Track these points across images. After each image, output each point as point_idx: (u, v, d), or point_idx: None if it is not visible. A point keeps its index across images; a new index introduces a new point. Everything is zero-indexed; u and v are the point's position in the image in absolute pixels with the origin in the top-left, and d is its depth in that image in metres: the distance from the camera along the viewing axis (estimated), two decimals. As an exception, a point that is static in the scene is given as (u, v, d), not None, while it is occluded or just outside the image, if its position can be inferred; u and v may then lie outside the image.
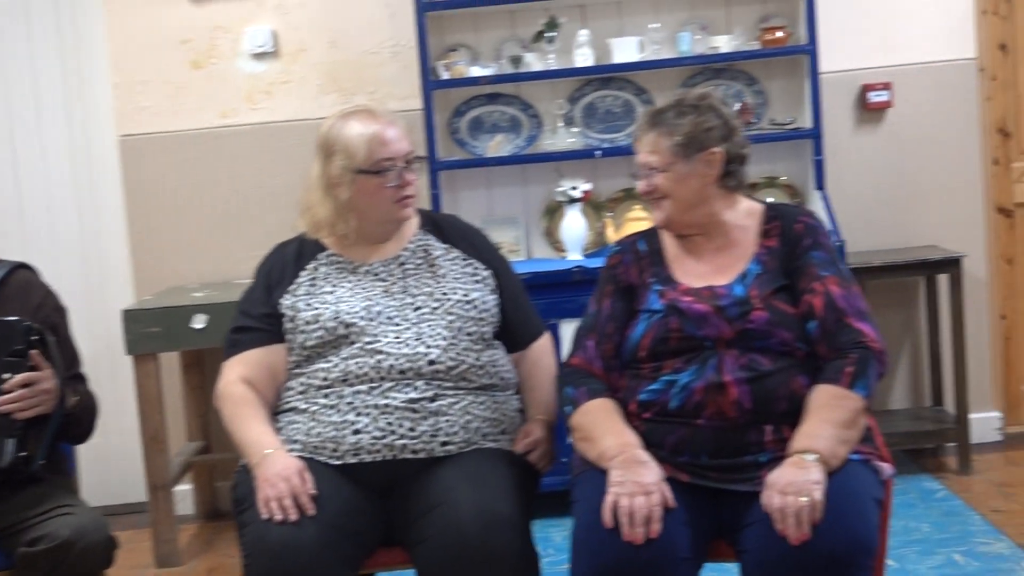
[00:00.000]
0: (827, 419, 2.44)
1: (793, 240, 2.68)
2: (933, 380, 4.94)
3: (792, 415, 2.50)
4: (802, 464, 2.38)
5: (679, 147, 2.67)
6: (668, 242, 2.78)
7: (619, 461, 2.48)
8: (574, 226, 4.69)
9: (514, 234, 4.90)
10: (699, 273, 2.70)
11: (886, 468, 2.56)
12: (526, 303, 3.01)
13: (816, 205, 4.67)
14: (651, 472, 2.46)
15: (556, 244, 4.86)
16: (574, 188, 4.68)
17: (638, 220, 4.66)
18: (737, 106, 4.70)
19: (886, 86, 4.83)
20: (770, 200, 4.69)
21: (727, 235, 2.73)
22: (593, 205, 4.84)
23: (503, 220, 4.91)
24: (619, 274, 2.77)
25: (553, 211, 4.88)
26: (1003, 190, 5.02)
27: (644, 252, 2.78)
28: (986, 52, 4.92)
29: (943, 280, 4.76)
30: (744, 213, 2.75)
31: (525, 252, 4.91)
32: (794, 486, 2.33)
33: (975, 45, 4.90)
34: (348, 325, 2.75)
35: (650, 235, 2.82)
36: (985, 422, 4.98)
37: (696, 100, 2.71)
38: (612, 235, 4.79)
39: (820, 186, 4.66)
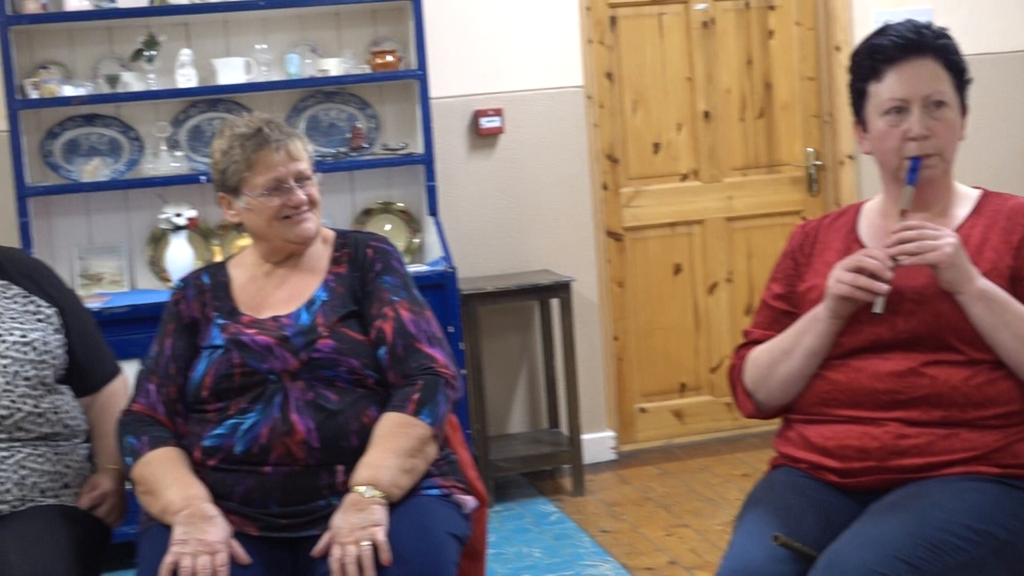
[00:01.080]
0: (390, 448, 2.33)
1: (364, 266, 2.58)
2: (549, 403, 5.00)
3: (364, 451, 2.38)
4: (361, 503, 2.26)
5: (311, 158, 2.58)
6: (236, 274, 2.62)
7: (183, 516, 2.28)
8: (180, 255, 4.45)
9: (116, 264, 4.61)
10: (268, 304, 2.55)
11: (469, 501, 2.49)
12: (98, 342, 2.76)
13: (430, 231, 4.63)
14: (218, 529, 2.28)
15: (162, 274, 4.59)
16: (179, 215, 4.44)
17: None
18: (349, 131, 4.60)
19: (498, 112, 4.86)
20: (387, 224, 4.63)
21: (304, 263, 2.60)
22: (200, 232, 4.61)
23: (104, 249, 4.61)
24: (181, 311, 2.58)
25: (158, 239, 4.62)
26: (613, 214, 5.16)
27: (208, 285, 2.60)
28: (593, 80, 5.04)
29: (555, 304, 4.82)
30: (319, 240, 2.62)
31: (129, 283, 4.62)
32: (354, 534, 2.21)
33: (582, 73, 5.00)
34: None
35: (216, 268, 2.66)
36: (600, 442, 5.08)
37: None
38: (221, 264, 4.57)
39: (433, 212, 4.62)
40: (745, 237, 5.31)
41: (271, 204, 2.52)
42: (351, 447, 2.37)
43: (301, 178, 2.55)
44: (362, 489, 2.27)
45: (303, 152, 2.57)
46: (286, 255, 2.59)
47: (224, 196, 2.57)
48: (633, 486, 4.76)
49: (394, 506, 2.28)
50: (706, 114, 5.22)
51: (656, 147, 5.19)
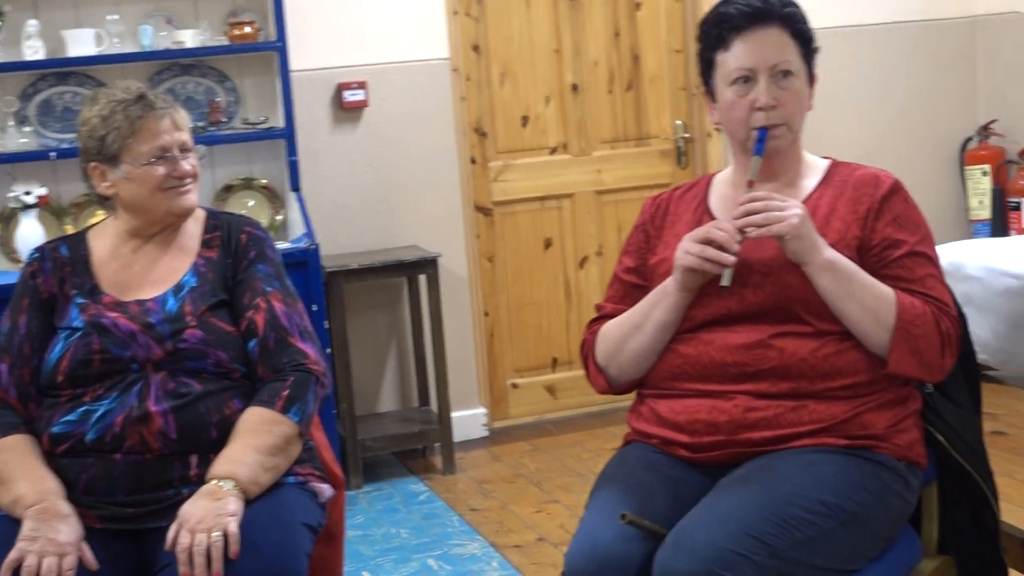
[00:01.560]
0: (253, 444, 2.25)
1: (238, 252, 2.47)
2: (419, 381, 4.93)
3: (222, 443, 2.28)
4: (218, 493, 2.17)
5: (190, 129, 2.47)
6: (97, 246, 2.48)
7: (35, 512, 2.17)
8: (30, 234, 4.27)
9: (-37, 245, 4.41)
10: (132, 284, 2.42)
11: (326, 490, 2.42)
12: None
13: (293, 207, 4.52)
14: (70, 529, 2.17)
15: (12, 255, 4.41)
16: (28, 193, 4.27)
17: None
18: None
19: (361, 85, 4.76)
20: (250, 204, 4.52)
21: (176, 240, 2.48)
22: (52, 211, 4.44)
23: (-50, 230, 4.41)
24: (38, 285, 2.44)
25: (7, 218, 4.43)
26: (481, 189, 5.10)
27: (67, 258, 2.46)
28: (459, 53, 4.97)
29: (424, 280, 4.75)
30: (192, 218, 2.51)
31: (-24, 264, 4.43)
32: (205, 522, 2.12)
33: (448, 45, 4.92)
34: None
35: (75, 240, 2.51)
36: (472, 419, 5.03)
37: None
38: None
39: (296, 187, 4.52)
40: (615, 210, 5.29)
41: (156, 173, 2.40)
42: (210, 439, 2.28)
43: (184, 149, 2.44)
44: (220, 482, 2.19)
45: (185, 123, 2.47)
46: (161, 228, 2.47)
47: (98, 166, 2.43)
48: (504, 463, 4.72)
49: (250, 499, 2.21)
50: (574, 87, 5.19)
51: (524, 120, 5.14)
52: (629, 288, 2.39)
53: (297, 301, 2.47)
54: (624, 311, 2.35)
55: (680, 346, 2.24)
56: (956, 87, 5.54)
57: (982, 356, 2.56)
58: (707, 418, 2.16)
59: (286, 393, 2.31)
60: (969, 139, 5.52)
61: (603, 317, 2.40)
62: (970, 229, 5.41)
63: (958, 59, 5.54)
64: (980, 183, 5.38)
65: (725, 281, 2.15)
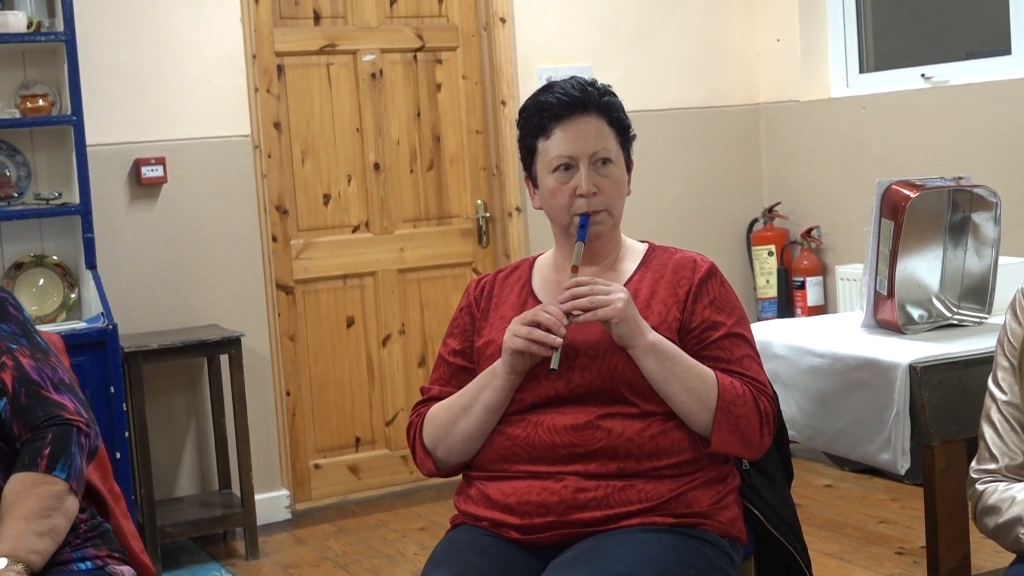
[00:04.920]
0: (21, 515, 2.13)
1: None
2: (220, 463, 4.80)
3: None
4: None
5: None
6: None
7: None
8: None
9: None
10: None
11: (126, 571, 2.32)
12: None
13: (88, 285, 4.37)
14: None
15: None
16: None
17: None
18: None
19: (160, 161, 4.66)
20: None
21: None
22: None
23: None
24: None
25: None
26: (283, 267, 5.04)
27: None
28: (260, 130, 4.93)
29: (225, 360, 4.65)
30: None
31: None
32: None
33: (249, 122, 4.87)
34: None
35: None
36: (275, 501, 4.93)
37: None
38: None
39: (92, 265, 4.37)
40: (417, 289, 5.31)
41: None
42: None
43: None
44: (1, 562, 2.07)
45: None
46: None
47: None
48: (309, 546, 4.63)
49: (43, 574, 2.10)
50: (376, 166, 5.20)
51: (326, 198, 5.12)
52: (456, 370, 2.40)
53: (50, 355, 2.36)
54: (451, 393, 2.35)
55: (509, 428, 2.26)
56: (742, 170, 5.80)
57: (789, 432, 2.66)
58: (537, 499, 2.18)
59: (47, 451, 2.20)
60: (755, 220, 5.78)
61: (429, 399, 2.40)
62: (758, 307, 5.64)
63: (744, 144, 5.80)
64: (767, 263, 5.63)
65: (553, 364, 2.19)
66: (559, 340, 2.18)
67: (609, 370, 2.22)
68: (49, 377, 2.30)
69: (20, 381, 2.26)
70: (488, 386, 2.27)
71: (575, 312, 2.20)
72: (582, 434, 2.19)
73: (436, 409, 2.35)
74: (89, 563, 2.22)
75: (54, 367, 2.33)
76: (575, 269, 2.29)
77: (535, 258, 2.51)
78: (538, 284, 2.43)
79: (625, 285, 2.31)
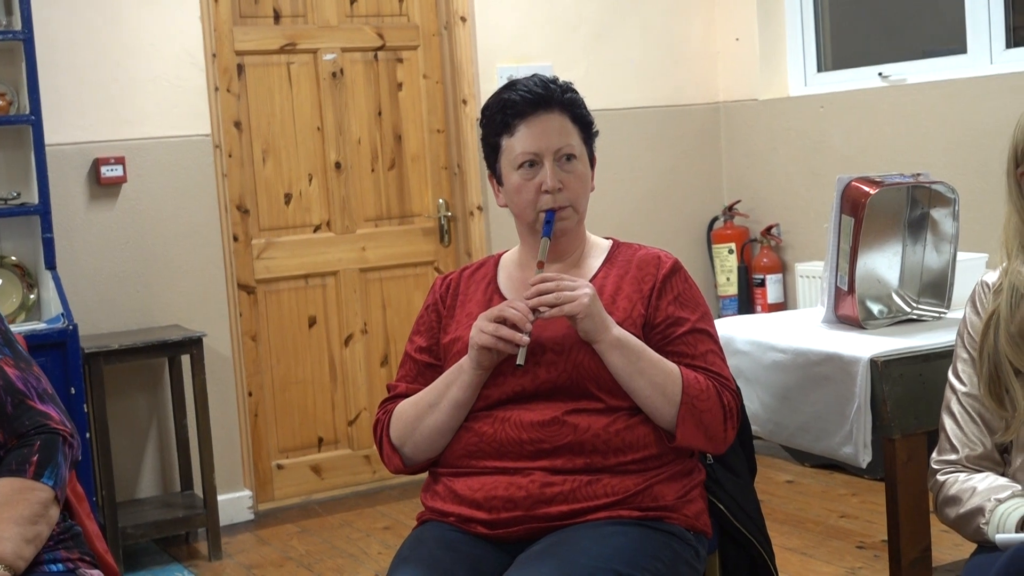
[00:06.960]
0: (10, 518, 2.14)
1: None
2: (182, 464, 4.78)
3: None
4: None
5: None
6: None
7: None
8: None
9: None
10: None
11: (95, 574, 2.31)
12: None
13: (48, 285, 4.34)
14: None
15: None
16: None
17: None
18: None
19: (119, 160, 4.63)
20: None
21: None
22: None
23: None
24: None
25: None
26: (244, 267, 5.02)
27: None
28: (220, 129, 4.90)
29: (186, 360, 4.63)
30: None
31: None
32: None
33: (210, 121, 4.85)
34: None
35: None
36: (237, 502, 4.91)
37: None
38: None
39: (51, 265, 4.33)
40: (379, 288, 5.30)
41: None
42: None
43: None
44: None
45: None
46: None
47: None
48: (272, 546, 4.61)
49: None
50: (337, 165, 5.19)
51: (288, 198, 5.11)
52: (422, 367, 2.41)
53: (32, 365, 2.38)
54: (418, 390, 2.36)
55: (476, 424, 2.27)
56: (702, 169, 5.84)
57: (752, 427, 2.69)
58: (505, 494, 2.19)
59: (36, 458, 2.22)
60: (716, 219, 5.81)
61: (396, 397, 2.41)
62: (719, 305, 5.68)
63: (703, 142, 5.84)
64: (727, 261, 5.67)
65: (520, 360, 2.20)
66: (526, 337, 2.19)
67: (575, 366, 2.23)
68: (34, 387, 2.31)
69: (6, 390, 2.27)
70: (455, 382, 2.28)
71: (541, 308, 2.21)
72: (549, 430, 2.20)
73: (403, 406, 2.36)
74: (61, 565, 2.22)
75: (38, 377, 2.34)
76: (541, 265, 2.30)
77: (500, 255, 2.52)
78: (503, 281, 2.44)
79: (590, 281, 2.33)
